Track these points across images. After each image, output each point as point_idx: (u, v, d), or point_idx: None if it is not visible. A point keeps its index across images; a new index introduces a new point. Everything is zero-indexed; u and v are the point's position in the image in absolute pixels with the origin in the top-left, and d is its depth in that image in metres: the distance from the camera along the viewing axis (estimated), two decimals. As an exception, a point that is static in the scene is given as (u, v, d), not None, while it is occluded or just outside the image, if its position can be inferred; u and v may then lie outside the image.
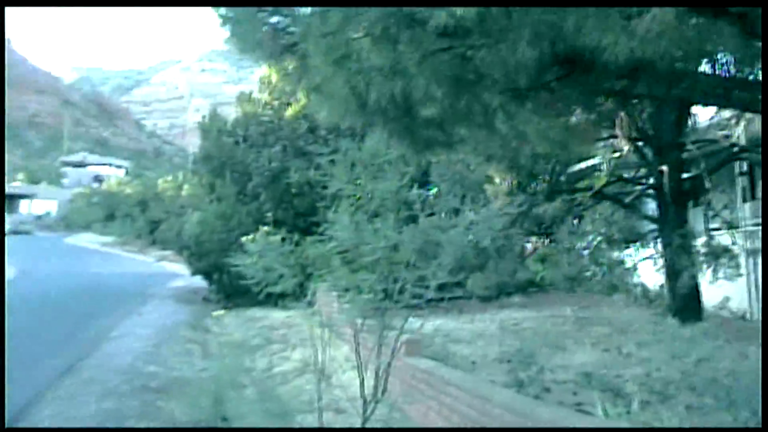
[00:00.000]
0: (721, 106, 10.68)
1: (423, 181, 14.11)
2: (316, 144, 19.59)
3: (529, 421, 5.01)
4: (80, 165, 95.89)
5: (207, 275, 21.85)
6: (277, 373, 9.85)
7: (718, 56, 7.96)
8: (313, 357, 7.01)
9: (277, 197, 21.04)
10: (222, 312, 16.16)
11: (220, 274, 19.43)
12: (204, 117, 25.41)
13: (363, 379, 6.18)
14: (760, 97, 7.39)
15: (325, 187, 7.66)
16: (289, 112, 22.40)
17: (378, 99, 5.32)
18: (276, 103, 23.17)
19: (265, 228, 12.53)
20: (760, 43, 6.83)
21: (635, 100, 10.69)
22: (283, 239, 7.95)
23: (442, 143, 7.13)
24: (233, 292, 18.42)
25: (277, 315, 14.76)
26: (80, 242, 55.41)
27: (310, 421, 6.86)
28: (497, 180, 13.09)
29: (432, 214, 7.55)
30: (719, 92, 7.67)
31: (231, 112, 25.40)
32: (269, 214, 20.32)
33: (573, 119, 7.98)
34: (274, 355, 11.26)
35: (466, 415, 6.09)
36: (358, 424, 6.14)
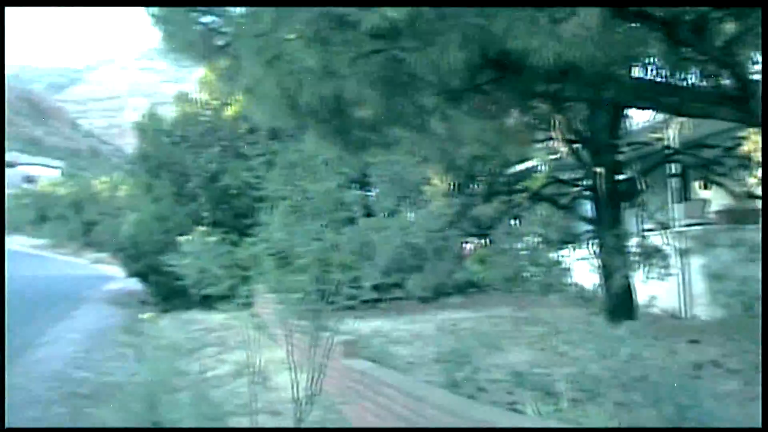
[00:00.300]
0: (651, 109, 10.98)
1: (363, 182, 14.16)
2: (256, 144, 19.46)
3: (463, 420, 5.05)
4: (10, 165, 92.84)
5: (143, 277, 21.45)
6: (212, 376, 9.71)
7: (649, 60, 8.19)
8: (250, 359, 6.96)
9: (216, 198, 20.81)
10: (152, 314, 15.83)
11: (157, 276, 19.07)
12: (142, 116, 24.96)
13: (296, 381, 6.15)
14: (687, 100, 7.63)
15: (258, 189, 7.61)
16: (229, 112, 22.15)
17: (310, 100, 5.29)
18: (215, 103, 22.88)
19: (201, 228, 12.34)
20: (686, 49, 7.05)
21: (569, 103, 10.89)
22: (222, 240, 7.88)
23: (377, 144, 7.13)
24: (170, 294, 18.12)
25: (215, 317, 14.53)
26: (10, 245, 53.58)
27: (244, 423, 6.78)
28: (436, 181, 13.18)
29: (369, 215, 7.56)
30: (648, 96, 7.87)
31: (170, 112, 24.97)
32: (207, 216, 20.05)
33: (509, 121, 8.08)
34: (211, 358, 11.11)
35: (401, 415, 6.10)
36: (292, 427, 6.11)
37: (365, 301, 7.00)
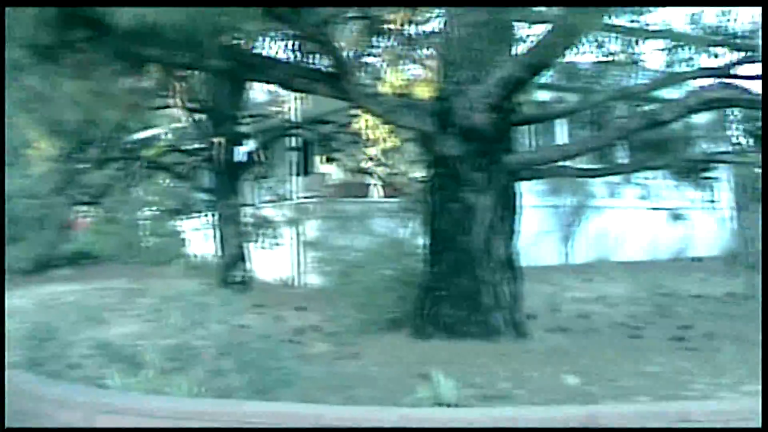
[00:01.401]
0: (263, 82, 11.21)
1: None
2: None
3: (44, 400, 4.85)
4: None
5: None
6: None
7: (259, 34, 8.38)
8: None
9: None
10: None
11: None
12: None
13: None
14: (292, 76, 7.94)
15: None
16: None
17: None
18: None
19: None
20: (285, 25, 7.33)
21: (186, 71, 10.70)
22: None
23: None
24: None
25: None
26: None
27: None
28: (42, 144, 12.11)
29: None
30: (258, 69, 8.10)
31: None
32: None
33: (114, 85, 7.65)
34: None
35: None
36: None
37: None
